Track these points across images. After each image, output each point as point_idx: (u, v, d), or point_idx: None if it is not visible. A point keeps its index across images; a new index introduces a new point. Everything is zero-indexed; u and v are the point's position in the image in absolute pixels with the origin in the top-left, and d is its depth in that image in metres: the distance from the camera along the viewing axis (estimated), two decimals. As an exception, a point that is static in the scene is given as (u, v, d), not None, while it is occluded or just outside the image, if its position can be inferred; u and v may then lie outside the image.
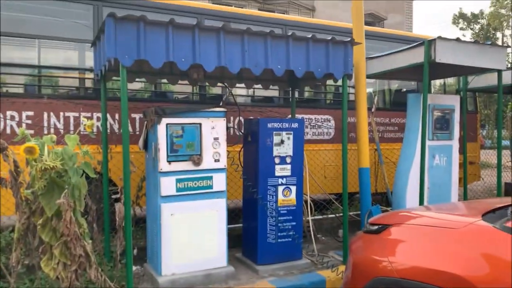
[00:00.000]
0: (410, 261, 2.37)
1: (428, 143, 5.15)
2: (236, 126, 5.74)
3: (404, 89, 8.00)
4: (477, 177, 8.31)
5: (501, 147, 5.76)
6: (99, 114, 4.92)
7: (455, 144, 5.59)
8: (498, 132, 5.83)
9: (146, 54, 3.51)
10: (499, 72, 5.45)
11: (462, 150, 6.56)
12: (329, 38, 4.26)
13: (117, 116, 5.28)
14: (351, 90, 6.36)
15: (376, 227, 2.73)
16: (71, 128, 5.02)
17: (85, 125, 3.42)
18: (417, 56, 4.87)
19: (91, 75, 5.26)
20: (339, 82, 4.59)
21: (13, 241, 3.34)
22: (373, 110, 6.27)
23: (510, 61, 20.11)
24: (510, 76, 6.51)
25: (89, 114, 5.17)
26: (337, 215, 6.19)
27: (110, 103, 5.00)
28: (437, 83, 9.00)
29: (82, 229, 3.29)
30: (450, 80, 8.88)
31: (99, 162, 4.53)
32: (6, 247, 4.15)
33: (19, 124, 4.77)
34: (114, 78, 4.87)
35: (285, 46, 4.05)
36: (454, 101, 5.58)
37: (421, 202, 4.85)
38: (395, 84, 8.20)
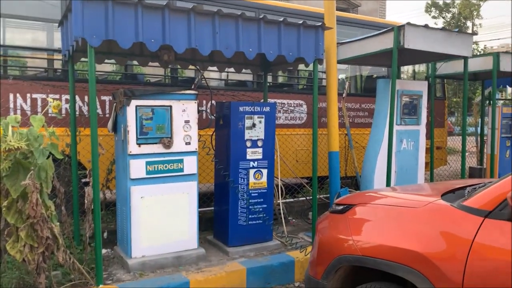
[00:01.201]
0: (373, 240, 2.45)
1: (396, 127, 5.28)
2: (208, 110, 5.73)
3: (375, 75, 8.12)
4: (444, 161, 8.57)
5: (466, 132, 5.94)
6: (68, 96, 4.81)
7: (422, 129, 5.75)
8: (463, 117, 6.02)
9: (114, 34, 3.45)
10: (465, 59, 5.59)
11: (430, 135, 6.75)
12: (300, 22, 4.28)
13: (86, 98, 5.18)
14: (324, 76, 6.43)
15: (341, 207, 2.80)
16: (39, 110, 4.91)
17: (51, 105, 3.35)
18: (386, 42, 4.95)
19: (60, 56, 5.13)
20: (312, 67, 4.64)
21: (-23, 224, 3.27)
22: (344, 95, 6.36)
23: (479, 50, 20.65)
24: (480, 63, 6.69)
25: (57, 96, 5.06)
26: (307, 198, 6.30)
27: (79, 85, 4.91)
28: (409, 70, 9.17)
29: (50, 212, 3.26)
30: (422, 68, 9.07)
31: (67, 145, 4.46)
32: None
33: (-18, 105, 4.62)
34: (83, 59, 4.77)
35: (257, 29, 4.04)
36: (422, 87, 5.72)
37: (388, 185, 4.98)
38: (366, 70, 8.32)
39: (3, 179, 3.02)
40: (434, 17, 34.17)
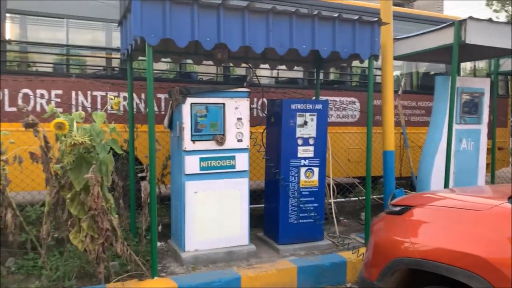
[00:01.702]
0: (432, 243, 2.35)
1: (455, 126, 5.05)
2: (259, 107, 5.75)
3: (433, 72, 7.81)
4: (506, 163, 8.11)
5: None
6: (126, 94, 5.00)
7: (483, 128, 5.46)
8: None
9: (171, 33, 3.53)
10: (533, 54, 5.25)
11: (491, 135, 6.40)
12: (356, 17, 4.19)
13: (143, 96, 5.36)
14: (378, 72, 6.26)
15: (398, 208, 2.71)
16: (98, 107, 5.13)
17: (111, 103, 3.49)
18: (446, 37, 4.74)
19: (118, 55, 5.34)
20: (366, 64, 4.53)
21: (44, 214, 3.48)
22: (399, 93, 6.17)
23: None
24: None
25: (115, 94, 5.26)
26: (360, 198, 6.17)
27: (137, 83, 5.08)
28: (467, 67, 8.75)
29: (109, 204, 3.40)
30: (481, 64, 8.62)
31: (125, 141, 4.63)
32: (37, 220, 4.32)
33: (48, 102, 4.90)
34: (140, 58, 4.93)
35: (311, 26, 4.00)
36: (483, 84, 5.43)
37: (446, 186, 4.77)
38: (423, 67, 8.02)
39: (68, 172, 3.19)
40: (495, 11, 32.34)
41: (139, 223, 4.33)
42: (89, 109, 5.07)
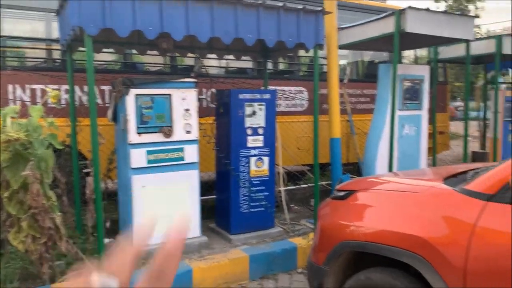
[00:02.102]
0: (375, 225, 2.44)
1: (397, 113, 5.24)
2: (208, 98, 5.70)
3: (377, 61, 8.05)
4: (446, 146, 8.53)
5: (468, 117, 5.90)
6: (68, 86, 4.78)
7: (424, 114, 5.71)
8: (466, 101, 5.97)
9: (112, 22, 3.42)
10: (467, 42, 5.53)
11: (432, 120, 6.70)
12: (300, 7, 4.22)
13: (86, 88, 5.15)
14: (325, 62, 6.37)
15: (343, 193, 2.78)
16: (39, 101, 4.88)
17: (49, 95, 3.33)
18: (388, 27, 4.90)
19: (59, 46, 5.10)
20: (312, 53, 4.59)
21: (-21, 215, 3.28)
22: (345, 81, 6.31)
23: (482, 33, 20.45)
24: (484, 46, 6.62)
25: (56, 87, 5.03)
26: (309, 185, 6.29)
27: (79, 75, 4.87)
28: (411, 55, 9.08)
29: (51, 202, 3.26)
30: (424, 53, 8.98)
31: (68, 135, 4.45)
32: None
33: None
34: (81, 48, 4.73)
35: (256, 15, 3.99)
36: (424, 71, 5.67)
37: (390, 171, 4.96)
38: (368, 56, 8.24)
39: (4, 170, 3.02)
40: (436, 1, 33.76)
41: (85, 220, 4.19)
42: (28, 104, 4.81)
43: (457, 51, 6.74)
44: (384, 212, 2.46)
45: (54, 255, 3.57)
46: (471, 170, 2.65)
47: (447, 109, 8.52)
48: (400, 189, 2.51)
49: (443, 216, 2.17)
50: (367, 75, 7.81)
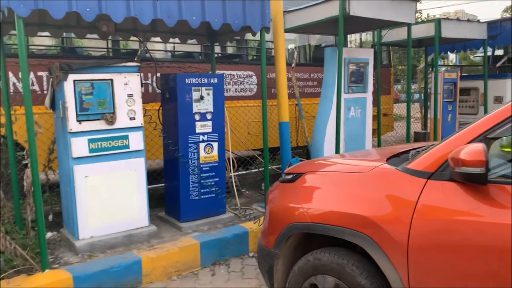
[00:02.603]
0: (322, 206, 2.46)
1: (343, 96, 5.33)
2: (154, 83, 5.52)
3: (323, 45, 8.14)
4: (391, 127, 8.84)
5: (411, 98, 6.11)
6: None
7: (369, 96, 5.84)
8: (408, 84, 6.17)
9: (44, 2, 3.19)
10: (409, 25, 5.69)
11: (376, 103, 6.89)
12: (245, -11, 4.15)
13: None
14: (273, 46, 6.34)
15: (291, 176, 2.79)
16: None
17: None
18: (333, 10, 4.92)
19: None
20: (259, 37, 4.54)
21: None
22: (293, 65, 6.33)
23: (423, 18, 21.20)
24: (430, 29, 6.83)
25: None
26: (260, 169, 6.30)
27: (12, 60, 4.55)
28: (357, 39, 9.26)
29: (-16, 197, 3.04)
30: (369, 37, 9.17)
31: (2, 125, 4.17)
32: None
33: None
34: (13, 32, 4.41)
35: (200, -3, 3.88)
36: (368, 55, 5.77)
37: (337, 152, 5.06)
38: (315, 40, 8.32)
39: None
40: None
41: (25, 214, 3.96)
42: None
43: (399, 34, 6.94)
44: (330, 193, 2.49)
45: (-9, 252, 3.36)
46: (413, 149, 2.73)
47: (391, 92, 8.80)
48: (345, 170, 2.55)
49: (386, 195, 2.21)
50: (314, 59, 7.89)
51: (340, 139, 5.07)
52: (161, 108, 4.64)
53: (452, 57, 25.06)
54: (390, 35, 7.31)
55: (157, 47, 7.22)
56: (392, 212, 2.17)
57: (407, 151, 2.73)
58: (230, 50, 7.91)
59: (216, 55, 5.61)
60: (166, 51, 6.97)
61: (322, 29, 6.04)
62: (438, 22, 6.61)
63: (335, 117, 5.11)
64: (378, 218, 2.18)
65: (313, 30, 6.25)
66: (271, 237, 2.73)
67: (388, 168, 2.33)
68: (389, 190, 2.22)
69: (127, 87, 3.91)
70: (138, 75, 3.99)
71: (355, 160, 2.84)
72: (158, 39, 5.28)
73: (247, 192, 5.92)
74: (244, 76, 6.61)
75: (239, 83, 6.56)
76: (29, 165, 3.37)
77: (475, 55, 21.95)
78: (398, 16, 5.36)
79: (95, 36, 4.76)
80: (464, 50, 9.25)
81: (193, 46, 6.41)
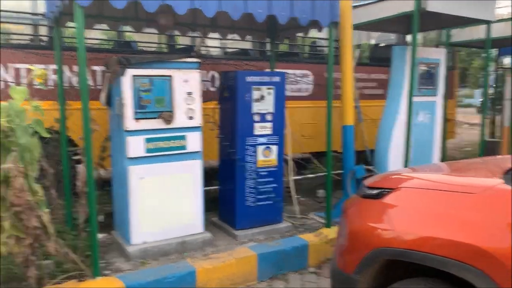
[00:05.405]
0: (420, 231, 2.08)
1: (412, 99, 4.87)
2: (210, 81, 5.28)
3: (382, 44, 7.67)
4: (453, 134, 8.24)
5: (487, 106, 5.58)
6: (56, 66, 4.33)
7: (439, 100, 5.36)
8: (485, 88, 5.62)
9: (106, -9, 2.97)
10: (488, 23, 5.16)
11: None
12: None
13: (75, 68, 4.70)
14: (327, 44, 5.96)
15: (376, 191, 2.42)
16: (25, 82, 4.43)
17: (34, 74, 2.89)
18: (406, 5, 4.51)
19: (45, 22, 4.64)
20: (318, 35, 4.18)
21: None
22: (353, 65, 5.90)
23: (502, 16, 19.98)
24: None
25: (43, 66, 4.57)
26: (316, 175, 5.94)
27: (68, 54, 4.41)
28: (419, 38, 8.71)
29: (37, 197, 2.85)
30: (431, 36, 8.60)
31: (56, 120, 4.02)
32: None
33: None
34: (70, 24, 4.27)
35: (267, -12, 3.56)
36: (440, 55, 5.30)
37: (406, 160, 4.63)
38: (373, 38, 7.86)
39: (-19, 162, 2.60)
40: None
41: (76, 214, 3.79)
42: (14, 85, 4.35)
43: (471, 33, 6.37)
44: (431, 216, 2.10)
45: (43, 253, 3.18)
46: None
47: (455, 96, 8.19)
48: (451, 189, 2.14)
49: (509, 223, 1.81)
50: (372, 59, 7.42)
51: (409, 146, 4.63)
52: (217, 107, 4.37)
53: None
54: (457, 35, 6.75)
55: (209, 44, 7.00)
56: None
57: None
58: (285, 48, 7.58)
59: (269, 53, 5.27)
60: (220, 47, 6.71)
61: (390, 26, 5.60)
62: (517, 20, 6.01)
63: (402, 121, 4.70)
64: (497, 250, 1.79)
65: (380, 27, 5.81)
66: (351, 261, 2.38)
67: (509, 189, 1.92)
68: (513, 217, 1.82)
69: (186, 85, 3.66)
70: (198, 72, 3.73)
71: (460, 176, 2.43)
72: (213, 35, 5.01)
73: (301, 199, 5.56)
74: (300, 75, 6.25)
75: (294, 83, 6.21)
76: (82, 161, 3.18)
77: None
78: (476, 13, 4.87)
79: (149, 30, 4.57)
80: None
81: (246, 43, 6.12)
